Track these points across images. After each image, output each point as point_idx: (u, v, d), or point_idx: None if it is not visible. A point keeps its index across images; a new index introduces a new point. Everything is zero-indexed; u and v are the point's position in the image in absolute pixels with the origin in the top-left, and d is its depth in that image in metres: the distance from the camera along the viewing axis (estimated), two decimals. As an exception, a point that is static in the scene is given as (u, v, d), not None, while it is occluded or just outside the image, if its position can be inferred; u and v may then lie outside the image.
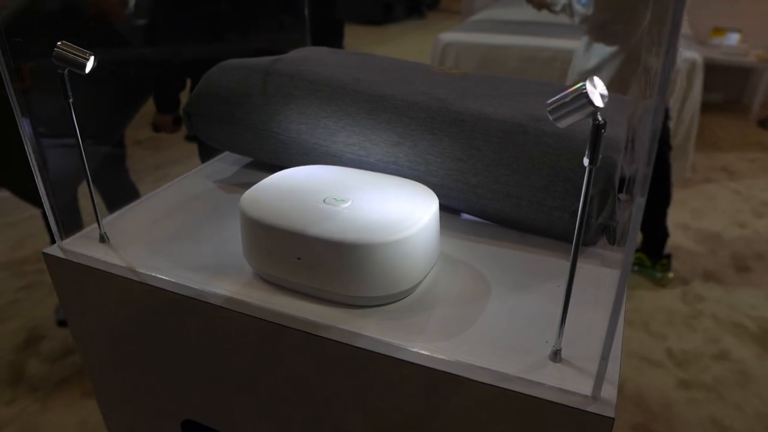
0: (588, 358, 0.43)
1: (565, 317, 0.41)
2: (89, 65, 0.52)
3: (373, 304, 0.49)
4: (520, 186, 0.55)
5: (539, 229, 0.58)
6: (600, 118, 0.35)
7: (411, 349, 0.44)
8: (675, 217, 2.39)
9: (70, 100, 0.54)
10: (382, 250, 0.46)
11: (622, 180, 0.57)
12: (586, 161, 0.36)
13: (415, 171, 0.59)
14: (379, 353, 0.44)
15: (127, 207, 0.67)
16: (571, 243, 0.38)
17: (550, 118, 0.36)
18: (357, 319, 0.47)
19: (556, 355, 0.43)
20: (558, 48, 2.51)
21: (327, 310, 0.49)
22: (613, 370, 0.41)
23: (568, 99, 0.35)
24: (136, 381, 0.63)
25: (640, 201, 0.33)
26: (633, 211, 0.33)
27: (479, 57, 2.65)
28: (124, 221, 0.64)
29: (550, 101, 0.36)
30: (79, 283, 0.59)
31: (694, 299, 1.89)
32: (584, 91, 0.34)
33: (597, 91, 0.34)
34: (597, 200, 0.53)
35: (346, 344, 0.45)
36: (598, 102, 0.34)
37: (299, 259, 0.49)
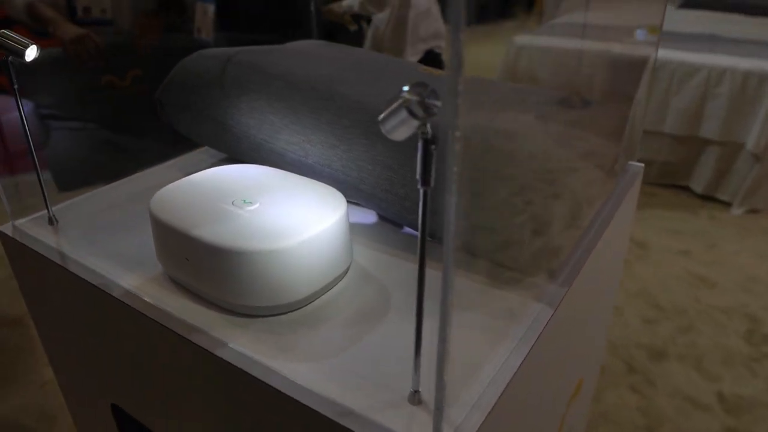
0: (460, 405, 0.38)
1: (419, 351, 0.37)
2: (29, 54, 0.54)
3: (256, 314, 0.47)
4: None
5: (470, 251, 0.53)
6: (429, 131, 0.30)
7: (265, 364, 0.41)
8: (757, 245, 2.15)
9: (15, 87, 0.56)
10: (258, 258, 0.44)
11: (568, 206, 0.51)
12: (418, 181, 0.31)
13: (348, 177, 0.56)
14: (232, 364, 0.42)
15: (93, 192, 0.69)
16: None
17: (383, 131, 0.32)
18: (232, 328, 0.45)
19: (414, 397, 0.38)
20: (641, 55, 2.34)
21: (209, 315, 0.47)
22: (473, 421, 0.36)
23: (392, 108, 0.30)
24: (71, 359, 0.64)
25: (449, 200, 0.28)
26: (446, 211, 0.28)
27: (553, 62, 2.53)
28: (83, 205, 0.65)
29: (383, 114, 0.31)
30: (22, 260, 0.61)
31: (762, 340, 1.69)
32: (403, 97, 0.29)
33: (423, 97, 0.30)
34: (531, 224, 0.47)
35: (207, 351, 0.43)
36: (420, 111, 0.29)
37: (187, 260, 0.47)
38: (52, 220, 0.62)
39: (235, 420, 0.46)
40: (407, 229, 0.59)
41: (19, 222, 0.62)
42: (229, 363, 0.42)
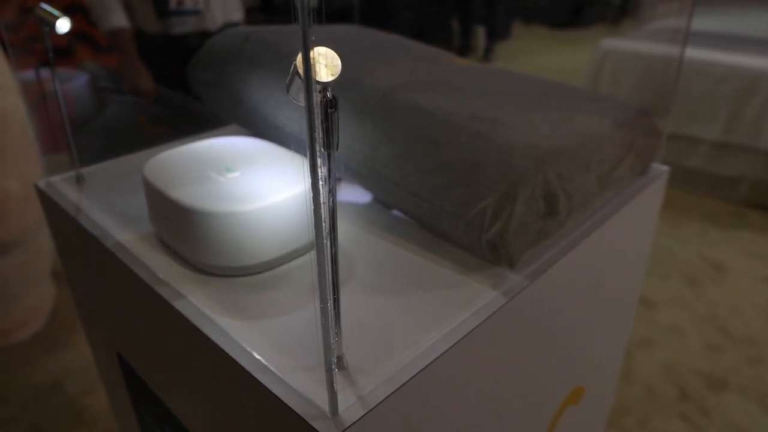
0: (374, 377, 0.38)
1: (339, 316, 0.37)
2: (60, 27, 0.59)
3: (219, 273, 0.49)
4: (422, 185, 0.50)
5: (445, 235, 0.52)
6: (330, 95, 0.30)
7: (210, 317, 0.43)
8: None
9: (50, 55, 0.62)
10: (217, 220, 0.46)
11: (552, 195, 0.49)
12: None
13: (339, 154, 0.57)
14: (183, 315, 0.44)
15: (125, 157, 0.74)
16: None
17: (289, 96, 0.32)
18: (194, 284, 0.48)
19: (339, 362, 0.39)
20: (734, 65, 2.17)
21: (180, 271, 0.50)
22: (381, 390, 0.36)
23: (291, 72, 0.31)
24: (87, 308, 0.70)
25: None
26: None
27: (640, 68, 2.40)
28: (111, 169, 0.71)
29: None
30: (51, 213, 0.67)
31: (843, 384, 1.52)
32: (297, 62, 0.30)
33: (324, 61, 0.30)
34: (491, 210, 0.46)
35: (167, 302, 0.46)
36: (323, 76, 0.30)
37: (166, 218, 0.50)
38: (79, 179, 0.67)
39: (190, 368, 0.49)
40: (396, 211, 0.59)
41: (53, 179, 0.69)
42: (181, 314, 0.44)
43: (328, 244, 0.35)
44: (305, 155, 0.30)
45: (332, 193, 0.33)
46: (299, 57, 0.30)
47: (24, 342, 1.67)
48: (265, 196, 0.48)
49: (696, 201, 2.45)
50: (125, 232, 0.56)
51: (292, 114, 0.61)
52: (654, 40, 2.55)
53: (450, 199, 0.49)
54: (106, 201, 0.62)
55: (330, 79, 0.30)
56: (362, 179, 0.56)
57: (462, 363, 0.42)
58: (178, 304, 0.45)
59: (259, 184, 0.50)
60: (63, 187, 0.67)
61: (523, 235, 0.47)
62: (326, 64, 0.30)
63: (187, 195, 0.48)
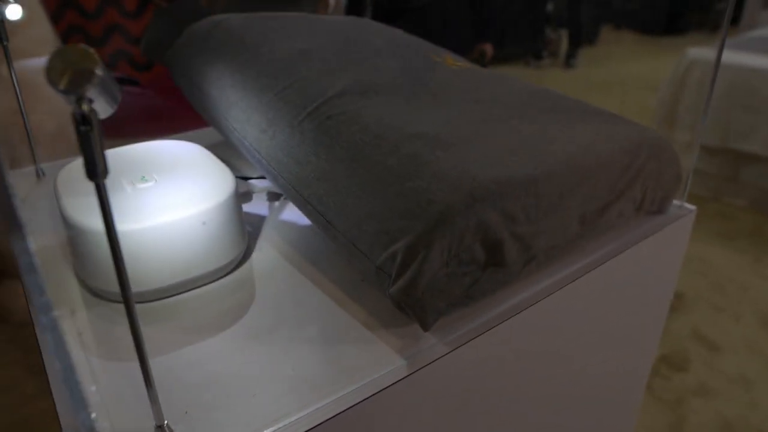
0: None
1: (149, 379, 0.29)
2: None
3: (103, 296, 0.43)
4: (337, 213, 0.42)
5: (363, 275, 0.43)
6: (86, 107, 0.23)
7: (66, 342, 0.37)
8: None
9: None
10: (94, 238, 0.40)
11: (494, 242, 0.39)
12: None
13: (270, 166, 0.49)
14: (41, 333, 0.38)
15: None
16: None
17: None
18: (73, 305, 0.42)
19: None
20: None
21: (70, 290, 0.44)
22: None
23: None
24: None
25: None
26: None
27: (728, 80, 2.15)
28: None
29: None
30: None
31: None
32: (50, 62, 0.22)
33: (61, 64, 0.22)
34: (400, 257, 0.37)
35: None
36: (59, 83, 0.22)
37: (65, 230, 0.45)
38: (38, 173, 0.64)
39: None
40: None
41: (14, 171, 0.66)
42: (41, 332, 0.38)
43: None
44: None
45: (112, 230, 0.26)
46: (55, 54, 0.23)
47: None
48: (159, 214, 0.41)
49: (787, 233, 2.16)
50: (46, 238, 0.51)
51: (238, 116, 0.54)
52: (748, 50, 2.28)
53: (363, 236, 0.39)
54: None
55: (74, 86, 0.22)
56: (291, 196, 0.48)
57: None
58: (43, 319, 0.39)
59: (162, 200, 0.43)
60: (23, 180, 0.63)
61: (442, 292, 0.37)
62: (66, 66, 0.22)
63: (76, 207, 0.42)
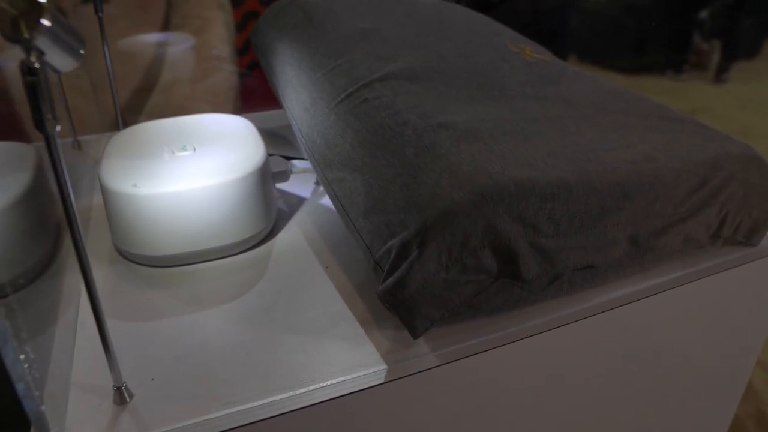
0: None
1: (106, 340, 0.29)
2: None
3: (127, 257, 0.45)
4: (352, 202, 0.39)
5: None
6: (34, 57, 0.22)
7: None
8: None
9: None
10: (119, 200, 0.41)
11: (507, 250, 0.34)
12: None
13: (307, 148, 0.48)
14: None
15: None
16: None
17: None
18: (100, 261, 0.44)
19: (120, 395, 0.31)
20: None
21: (104, 248, 0.46)
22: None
23: None
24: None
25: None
26: None
27: None
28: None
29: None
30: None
31: None
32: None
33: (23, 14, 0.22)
34: (394, 253, 0.34)
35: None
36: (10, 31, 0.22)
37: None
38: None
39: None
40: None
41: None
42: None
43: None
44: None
45: (65, 189, 0.25)
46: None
47: None
48: (176, 182, 0.41)
49: None
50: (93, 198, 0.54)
51: (291, 94, 0.53)
52: None
53: (368, 227, 0.37)
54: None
55: (18, 34, 0.22)
56: (320, 178, 0.46)
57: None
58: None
59: (188, 169, 0.43)
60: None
61: (437, 298, 0.33)
62: (10, 14, 0.22)
63: (112, 168, 0.44)
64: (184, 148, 0.47)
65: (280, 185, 0.54)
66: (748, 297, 0.47)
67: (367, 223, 0.37)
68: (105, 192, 0.42)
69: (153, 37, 0.92)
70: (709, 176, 0.40)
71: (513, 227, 0.34)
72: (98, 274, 0.43)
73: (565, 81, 0.52)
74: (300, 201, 0.53)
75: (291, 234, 0.48)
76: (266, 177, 0.46)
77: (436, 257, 0.33)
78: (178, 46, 0.94)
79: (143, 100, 0.91)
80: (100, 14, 0.62)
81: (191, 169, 0.43)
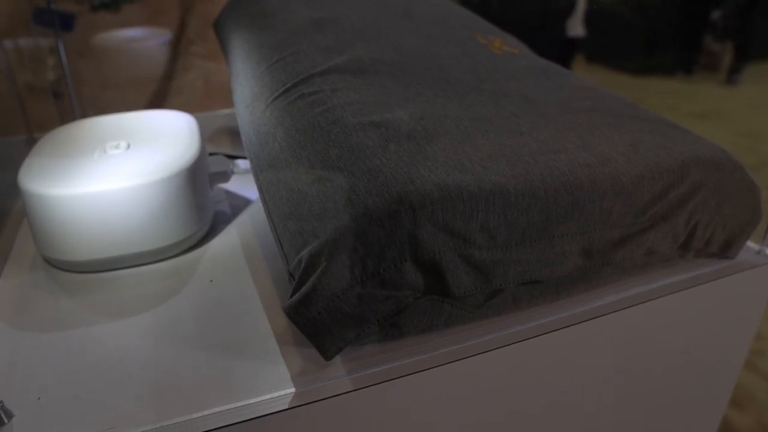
0: None
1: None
2: None
3: (48, 261, 0.41)
4: (275, 206, 0.36)
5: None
6: None
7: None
8: None
9: None
10: (34, 201, 0.38)
11: (437, 267, 0.31)
12: None
13: (245, 146, 0.45)
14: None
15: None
16: None
17: None
18: (18, 264, 0.41)
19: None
20: None
21: (28, 250, 0.43)
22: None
23: None
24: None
25: None
26: None
27: None
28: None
29: None
30: None
31: None
32: None
33: None
34: (303, 265, 0.30)
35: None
36: None
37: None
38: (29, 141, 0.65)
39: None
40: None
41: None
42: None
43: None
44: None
45: None
46: None
47: None
48: (94, 182, 0.38)
49: None
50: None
51: (238, 87, 0.49)
52: None
53: (286, 234, 0.33)
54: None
55: None
56: (255, 180, 0.43)
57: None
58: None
59: (111, 168, 0.40)
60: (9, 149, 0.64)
61: (349, 317, 0.30)
62: None
63: (32, 168, 0.41)
64: (117, 146, 0.44)
65: (225, 185, 0.51)
66: (725, 312, 0.43)
67: (285, 230, 0.33)
68: (21, 192, 0.39)
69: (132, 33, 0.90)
70: (675, 183, 0.36)
71: (438, 238, 0.30)
72: (13, 281, 0.40)
73: (530, 75, 0.48)
74: (245, 203, 0.50)
75: (227, 239, 0.45)
76: (197, 178, 0.42)
77: (348, 271, 0.29)
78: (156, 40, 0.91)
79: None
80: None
81: (114, 169, 0.40)
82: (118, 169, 0.40)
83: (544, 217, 0.33)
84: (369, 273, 0.29)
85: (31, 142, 0.64)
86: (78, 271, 0.41)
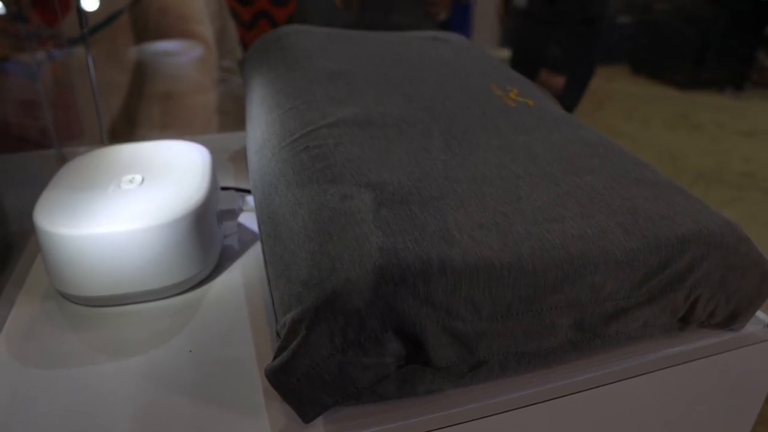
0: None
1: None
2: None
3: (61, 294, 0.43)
4: (271, 262, 0.37)
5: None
6: None
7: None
8: None
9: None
10: (45, 238, 0.40)
11: (418, 338, 0.31)
12: None
13: (253, 191, 0.46)
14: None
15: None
16: None
17: None
18: (29, 294, 0.43)
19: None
20: None
21: (42, 280, 0.45)
22: None
23: None
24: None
25: None
26: None
27: None
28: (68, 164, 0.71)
29: None
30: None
31: None
32: None
33: None
34: (285, 330, 0.31)
35: None
36: None
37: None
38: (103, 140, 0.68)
39: None
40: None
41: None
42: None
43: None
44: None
45: None
46: None
47: None
48: (97, 224, 0.40)
49: None
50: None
51: (252, 130, 0.51)
52: None
53: (276, 293, 0.34)
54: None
55: None
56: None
57: None
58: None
59: (119, 208, 0.42)
60: (39, 162, 0.66)
61: (328, 385, 0.30)
62: None
63: (46, 203, 0.43)
64: (131, 181, 0.46)
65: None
66: (726, 390, 0.42)
67: (276, 288, 0.34)
68: (35, 228, 0.41)
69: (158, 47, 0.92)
70: (673, 257, 0.36)
71: (420, 310, 0.30)
72: (25, 309, 0.42)
73: (540, 129, 0.48)
74: (254, 238, 0.51)
75: (231, 278, 0.46)
76: (205, 219, 0.44)
77: (328, 340, 0.30)
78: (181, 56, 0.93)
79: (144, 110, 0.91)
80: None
81: (125, 208, 0.42)
82: (129, 208, 0.42)
83: (531, 291, 0.33)
84: (349, 342, 0.30)
85: (59, 158, 0.67)
86: (85, 305, 0.42)
